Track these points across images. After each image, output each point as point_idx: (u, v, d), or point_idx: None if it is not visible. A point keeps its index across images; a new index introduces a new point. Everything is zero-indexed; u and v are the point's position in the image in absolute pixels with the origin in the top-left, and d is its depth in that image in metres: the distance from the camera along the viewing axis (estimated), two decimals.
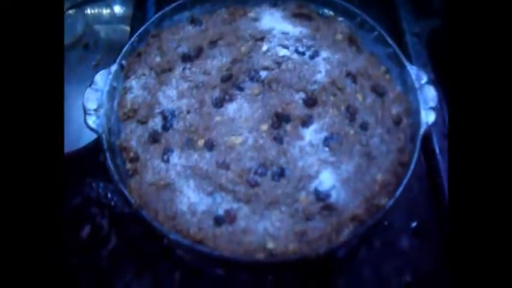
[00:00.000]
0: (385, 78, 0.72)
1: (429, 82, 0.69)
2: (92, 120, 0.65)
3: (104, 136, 0.64)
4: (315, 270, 0.72)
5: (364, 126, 0.67)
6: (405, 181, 0.62)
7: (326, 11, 0.78)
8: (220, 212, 0.61)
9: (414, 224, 0.76)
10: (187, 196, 0.62)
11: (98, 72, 0.69)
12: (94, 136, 0.66)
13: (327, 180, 0.63)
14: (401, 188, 0.61)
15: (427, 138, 0.77)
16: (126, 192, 0.61)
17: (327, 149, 0.64)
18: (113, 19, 0.96)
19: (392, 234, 0.75)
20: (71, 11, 0.92)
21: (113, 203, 0.73)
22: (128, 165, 0.65)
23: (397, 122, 0.68)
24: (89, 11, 0.95)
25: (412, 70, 0.70)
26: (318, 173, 0.63)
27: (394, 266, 0.73)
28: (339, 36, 0.74)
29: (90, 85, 0.68)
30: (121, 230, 0.74)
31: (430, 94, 0.68)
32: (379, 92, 0.70)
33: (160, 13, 0.76)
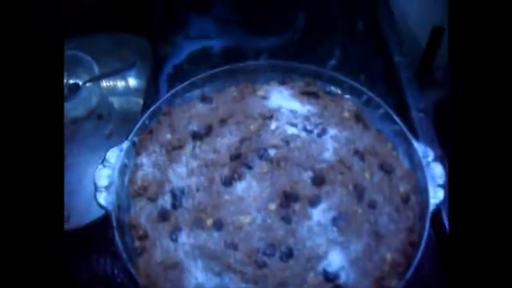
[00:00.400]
0: (392, 155, 0.73)
1: (436, 159, 0.69)
2: (102, 197, 0.66)
3: (113, 214, 0.65)
4: None
5: (372, 205, 0.67)
6: (415, 262, 0.61)
7: (333, 89, 0.80)
8: None
9: None
10: (195, 276, 0.61)
11: (110, 141, 0.71)
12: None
13: (335, 260, 0.62)
14: (411, 270, 0.60)
15: (436, 213, 0.76)
16: (133, 272, 0.61)
17: (335, 228, 0.64)
18: (127, 91, 0.99)
19: None
20: (87, 84, 0.95)
21: (119, 280, 0.73)
22: (137, 243, 0.65)
23: (405, 200, 0.68)
24: (104, 83, 0.98)
25: (419, 147, 0.70)
26: (326, 253, 0.62)
27: None
28: (346, 114, 0.76)
29: (101, 162, 0.69)
30: None
31: (437, 171, 0.68)
32: (386, 169, 0.70)
33: (172, 91, 0.78)
